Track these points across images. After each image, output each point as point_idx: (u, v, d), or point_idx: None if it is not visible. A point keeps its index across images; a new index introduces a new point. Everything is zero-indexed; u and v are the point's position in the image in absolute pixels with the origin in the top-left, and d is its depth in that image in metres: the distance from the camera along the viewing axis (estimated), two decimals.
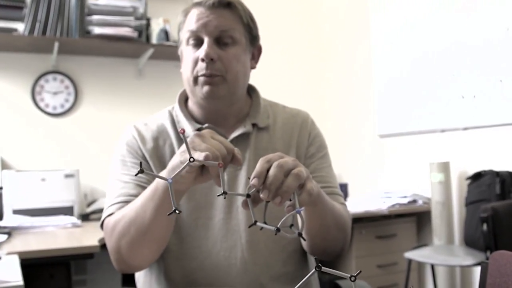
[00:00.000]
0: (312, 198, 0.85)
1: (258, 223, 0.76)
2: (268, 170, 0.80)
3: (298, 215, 0.77)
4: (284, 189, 0.79)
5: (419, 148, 3.13)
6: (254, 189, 0.79)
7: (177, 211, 0.70)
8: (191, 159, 0.72)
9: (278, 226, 0.74)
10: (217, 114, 1.19)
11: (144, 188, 1.07)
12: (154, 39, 3.16)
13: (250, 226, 0.77)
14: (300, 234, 0.75)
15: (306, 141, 1.25)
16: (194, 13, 1.14)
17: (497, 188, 2.46)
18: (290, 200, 0.83)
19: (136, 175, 0.70)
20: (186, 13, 1.17)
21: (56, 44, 2.87)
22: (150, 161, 1.15)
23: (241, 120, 1.22)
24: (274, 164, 0.80)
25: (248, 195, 0.78)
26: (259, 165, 0.80)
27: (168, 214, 0.71)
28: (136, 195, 1.07)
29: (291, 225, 0.82)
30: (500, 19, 2.56)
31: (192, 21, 1.13)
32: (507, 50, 2.53)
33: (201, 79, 1.12)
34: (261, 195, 0.78)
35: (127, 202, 1.07)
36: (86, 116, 3.18)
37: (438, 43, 2.94)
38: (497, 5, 2.57)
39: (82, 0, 2.90)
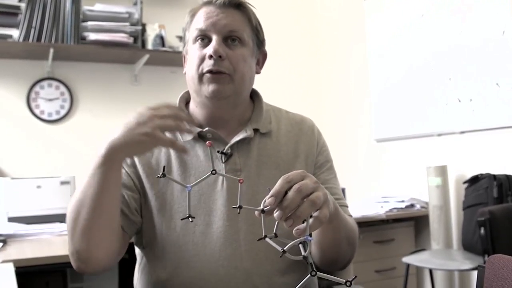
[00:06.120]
0: (323, 224, 0.84)
1: (267, 239, 0.76)
2: (286, 191, 0.79)
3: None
4: (297, 214, 0.79)
5: (416, 152, 3.13)
6: (268, 206, 0.79)
7: (190, 219, 0.72)
8: (213, 172, 0.75)
9: (285, 248, 0.74)
10: (219, 117, 1.16)
11: None
12: (149, 45, 3.15)
13: (259, 240, 0.77)
14: (305, 258, 0.75)
15: (315, 150, 1.22)
16: (203, 11, 1.12)
17: (494, 192, 2.45)
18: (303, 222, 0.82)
19: (159, 177, 0.73)
20: (193, 13, 1.15)
21: (51, 50, 2.86)
22: (140, 168, 1.13)
23: (242, 124, 1.19)
24: (295, 187, 0.79)
25: (263, 211, 0.78)
26: (279, 184, 0.80)
27: (182, 219, 0.76)
28: None
29: (300, 243, 0.82)
30: (495, 23, 2.56)
31: (200, 20, 1.11)
32: (503, 53, 2.53)
33: (207, 75, 1.09)
34: (275, 215, 0.78)
35: None
36: (81, 123, 3.17)
37: (434, 47, 2.94)
38: (492, 8, 2.58)
39: (77, 6, 2.90)
